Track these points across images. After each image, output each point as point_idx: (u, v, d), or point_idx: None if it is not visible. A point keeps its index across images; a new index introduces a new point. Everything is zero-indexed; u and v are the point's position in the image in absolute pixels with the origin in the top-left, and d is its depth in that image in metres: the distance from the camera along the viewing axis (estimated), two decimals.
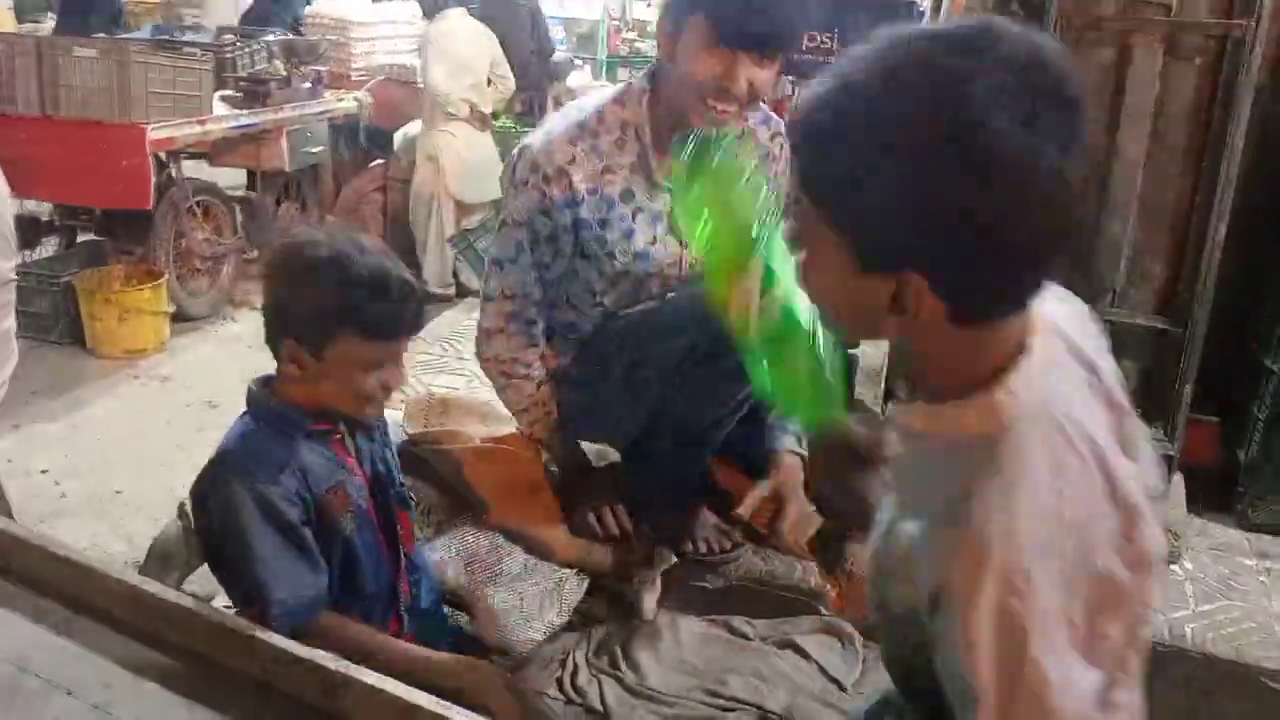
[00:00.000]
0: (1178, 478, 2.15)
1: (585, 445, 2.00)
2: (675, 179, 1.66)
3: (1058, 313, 0.94)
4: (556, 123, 1.82)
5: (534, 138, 1.81)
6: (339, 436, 1.37)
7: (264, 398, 1.33)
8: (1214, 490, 2.24)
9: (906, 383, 1.00)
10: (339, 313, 1.24)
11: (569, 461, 1.98)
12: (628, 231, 1.79)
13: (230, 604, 1.33)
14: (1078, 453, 0.86)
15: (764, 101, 1.84)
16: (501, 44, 4.93)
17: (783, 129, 1.90)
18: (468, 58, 4.75)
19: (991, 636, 0.81)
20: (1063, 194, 0.79)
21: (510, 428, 2.07)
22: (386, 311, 1.26)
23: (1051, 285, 0.89)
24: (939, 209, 0.78)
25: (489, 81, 4.87)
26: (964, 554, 0.83)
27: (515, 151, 1.83)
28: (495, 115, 5.20)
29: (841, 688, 1.67)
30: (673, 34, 1.66)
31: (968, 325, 0.85)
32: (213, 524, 1.28)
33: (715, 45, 1.61)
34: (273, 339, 1.31)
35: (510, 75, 4.97)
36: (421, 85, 4.92)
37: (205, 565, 1.94)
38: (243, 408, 1.35)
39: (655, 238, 1.80)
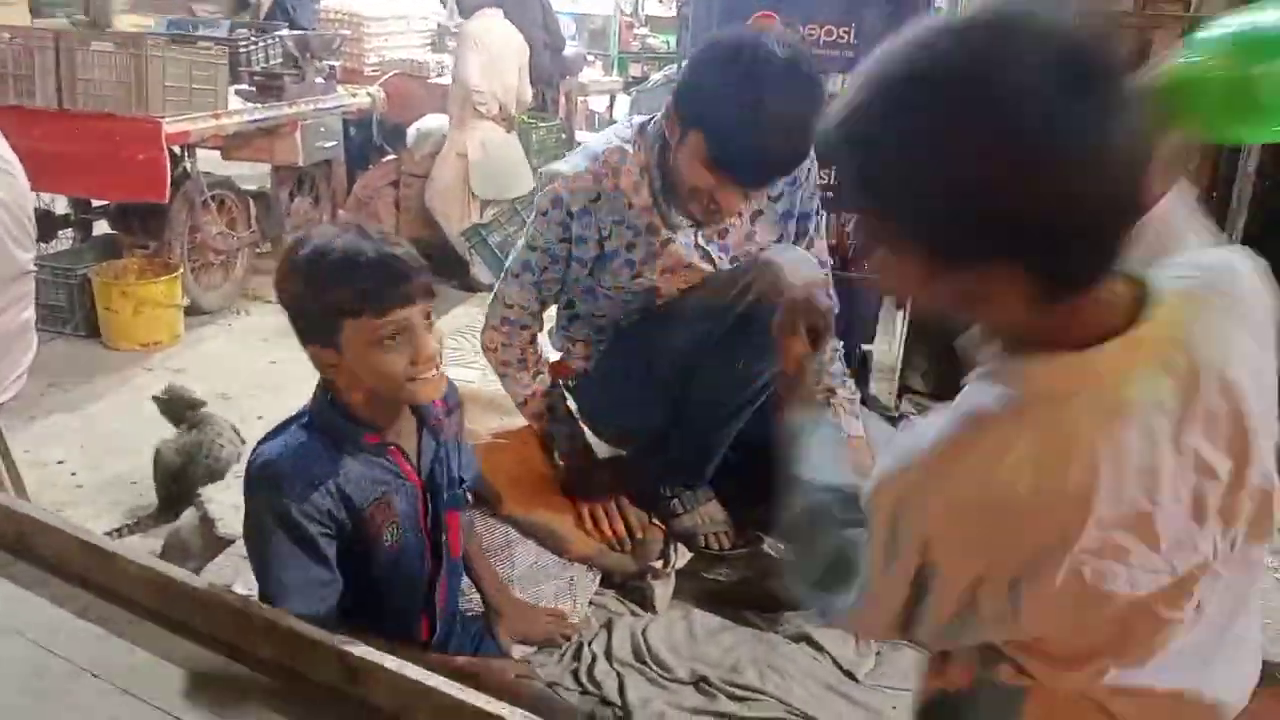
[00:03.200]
0: None
1: (596, 443, 2.02)
2: None
3: (1198, 320, 0.87)
4: (583, 157, 1.84)
5: (563, 166, 1.85)
6: (393, 445, 1.35)
7: (325, 406, 1.32)
8: None
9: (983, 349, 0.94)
10: (326, 301, 1.24)
11: (572, 457, 2.00)
12: (653, 253, 1.83)
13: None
14: (1124, 459, 0.81)
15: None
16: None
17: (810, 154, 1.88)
18: (502, 58, 4.78)
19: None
20: (1119, 160, 0.77)
21: (524, 421, 2.09)
22: (372, 284, 1.24)
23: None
24: (1009, 197, 0.76)
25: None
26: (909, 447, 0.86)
27: (545, 174, 1.88)
28: None
29: (855, 679, 1.68)
30: (678, 127, 1.66)
31: (1062, 299, 0.82)
32: (245, 526, 1.30)
33: (709, 166, 1.62)
34: (306, 350, 1.31)
35: (529, 86, 5.00)
36: (451, 81, 4.94)
37: (221, 555, 1.97)
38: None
39: (687, 263, 1.84)
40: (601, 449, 2.08)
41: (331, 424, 1.30)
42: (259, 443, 1.32)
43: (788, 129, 1.54)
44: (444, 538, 1.43)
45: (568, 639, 1.70)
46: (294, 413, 1.35)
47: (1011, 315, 0.84)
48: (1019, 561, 0.84)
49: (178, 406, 2.88)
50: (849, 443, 1.87)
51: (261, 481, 1.26)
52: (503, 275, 1.95)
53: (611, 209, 1.80)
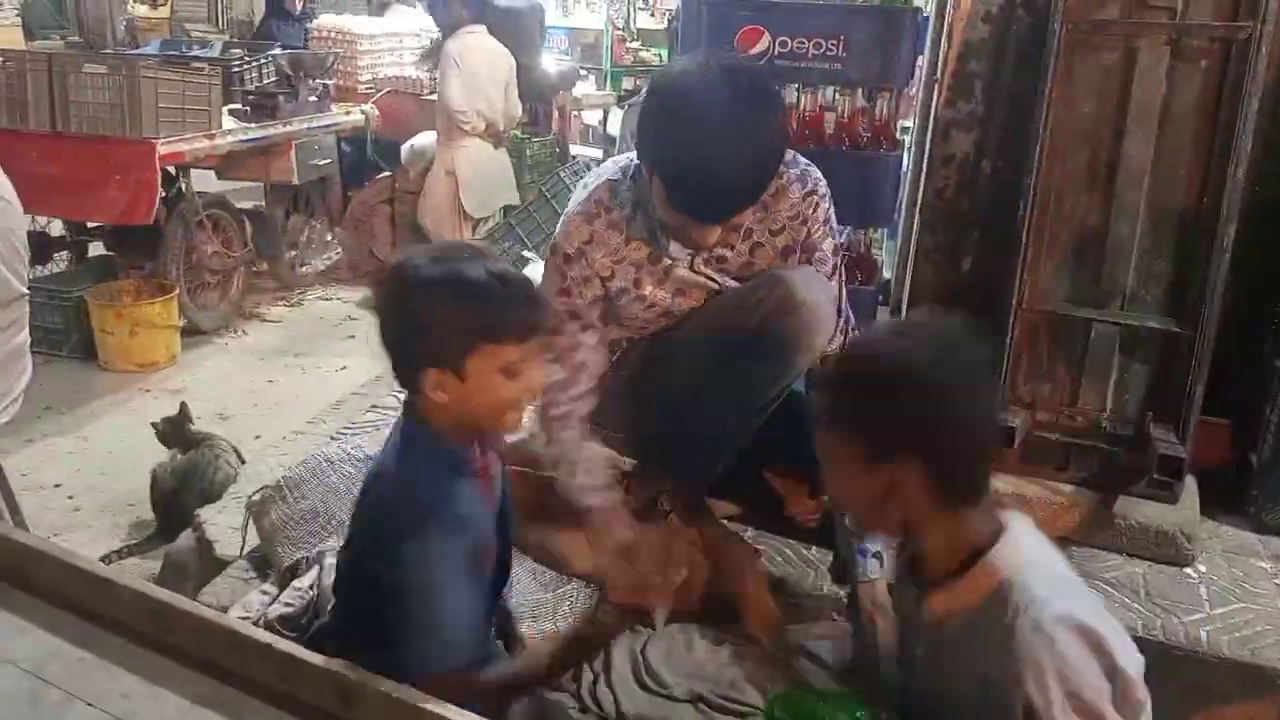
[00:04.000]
0: (1190, 480, 2.14)
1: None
2: None
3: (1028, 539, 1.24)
4: (574, 203, 1.85)
5: (562, 219, 1.87)
6: (486, 469, 1.32)
7: (424, 439, 1.27)
8: (1226, 492, 2.23)
9: (908, 578, 1.33)
10: (470, 324, 1.19)
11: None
12: (659, 281, 1.84)
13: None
14: (1068, 578, 1.21)
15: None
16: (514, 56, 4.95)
17: (819, 189, 1.85)
18: (485, 76, 4.78)
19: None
20: (993, 410, 1.36)
21: (516, 437, 2.08)
22: (515, 310, 1.21)
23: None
24: (926, 419, 1.16)
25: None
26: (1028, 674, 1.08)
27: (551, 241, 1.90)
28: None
29: None
30: (644, 170, 1.70)
31: (953, 504, 1.19)
32: (399, 574, 1.22)
33: (671, 206, 1.65)
34: (407, 375, 1.25)
35: (518, 103, 5.01)
36: (436, 100, 4.95)
37: (219, 577, 1.96)
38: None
39: (693, 283, 1.84)
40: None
41: (439, 453, 1.26)
42: (388, 484, 1.28)
43: (735, 161, 1.56)
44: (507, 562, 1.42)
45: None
46: (390, 442, 1.32)
47: (916, 509, 1.19)
48: None
49: (180, 430, 2.87)
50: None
51: (428, 526, 1.21)
52: None
53: (608, 247, 1.80)
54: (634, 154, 1.81)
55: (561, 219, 1.86)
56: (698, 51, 1.96)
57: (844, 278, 1.98)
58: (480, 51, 4.79)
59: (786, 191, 1.82)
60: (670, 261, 1.82)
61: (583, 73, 7.25)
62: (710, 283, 1.85)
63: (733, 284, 1.85)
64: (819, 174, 1.86)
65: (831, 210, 1.88)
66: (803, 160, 1.85)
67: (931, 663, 1.27)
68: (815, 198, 1.84)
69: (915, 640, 1.31)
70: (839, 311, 1.87)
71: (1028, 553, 1.18)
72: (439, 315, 1.20)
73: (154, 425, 2.91)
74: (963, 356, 1.18)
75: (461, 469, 1.28)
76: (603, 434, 1.94)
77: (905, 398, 1.17)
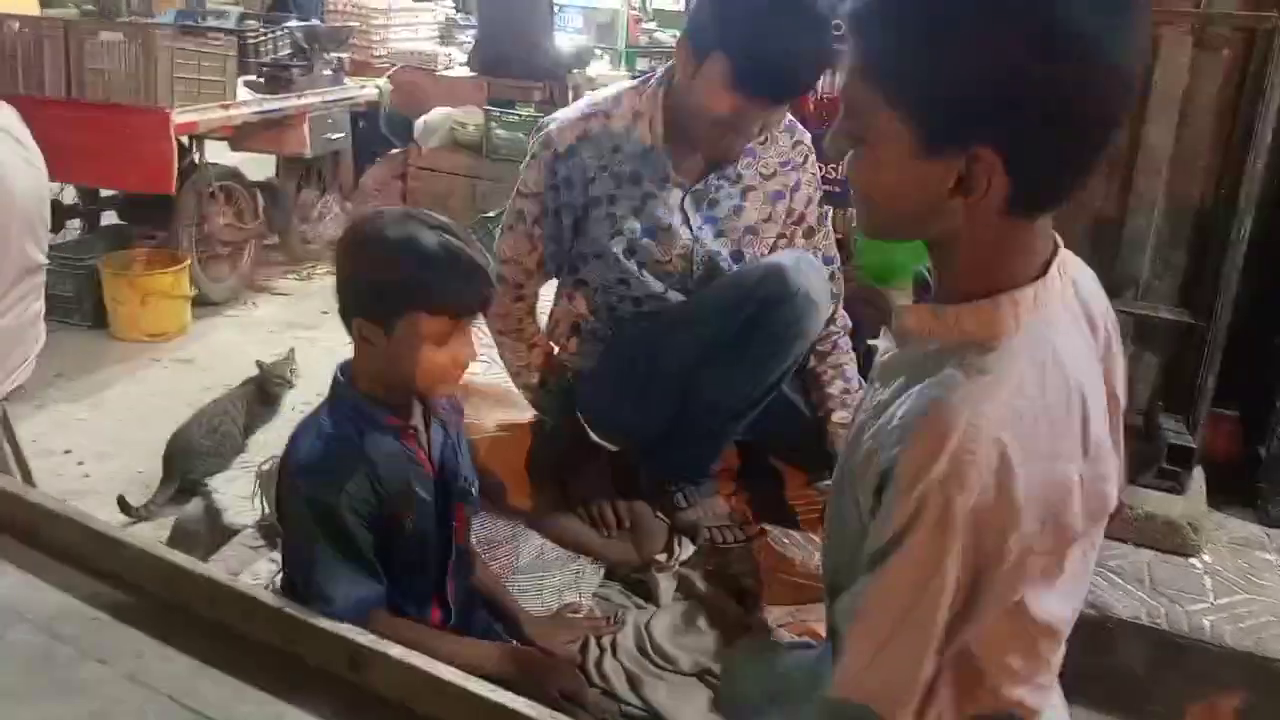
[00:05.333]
0: (1198, 471, 2.14)
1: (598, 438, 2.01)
2: None
3: (1081, 276, 0.98)
4: (574, 104, 1.84)
5: (553, 116, 1.84)
6: (412, 430, 1.36)
7: (344, 389, 1.32)
8: (1234, 484, 2.23)
9: (916, 287, 1.02)
10: (405, 289, 1.24)
11: (557, 439, 2.00)
12: (635, 210, 1.79)
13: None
14: (1064, 384, 0.87)
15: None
16: (521, 33, 4.92)
17: (806, 140, 1.89)
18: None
19: (917, 512, 0.81)
20: (1122, 83, 0.82)
21: (529, 414, 2.09)
22: (454, 287, 1.26)
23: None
24: (1015, 80, 0.78)
25: None
26: (926, 434, 0.83)
27: (536, 128, 1.86)
28: (512, 104, 5.22)
29: None
30: (693, 60, 1.64)
31: (1020, 215, 0.87)
32: (282, 523, 1.31)
33: (733, 88, 1.59)
34: (345, 317, 1.31)
35: None
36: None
37: (227, 545, 1.98)
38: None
39: (666, 224, 1.80)
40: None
41: (355, 405, 1.31)
42: (289, 442, 1.32)
43: (813, 29, 1.53)
44: (452, 523, 1.44)
45: (599, 634, 1.68)
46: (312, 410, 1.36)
47: (978, 220, 0.87)
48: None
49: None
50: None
51: (300, 480, 1.26)
52: (499, 230, 1.93)
53: (597, 151, 1.77)
54: (648, 72, 1.81)
55: (554, 120, 1.81)
56: None
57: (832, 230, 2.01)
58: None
59: (776, 139, 1.85)
60: (652, 190, 1.78)
61: (597, 52, 7.21)
62: (683, 229, 1.80)
63: (707, 248, 1.81)
64: (804, 130, 1.90)
65: (816, 167, 1.93)
66: (789, 116, 1.86)
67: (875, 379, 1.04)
68: (804, 147, 1.89)
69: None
70: (830, 265, 1.93)
71: (1045, 327, 0.89)
72: (379, 271, 1.25)
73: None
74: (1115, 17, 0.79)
75: (374, 423, 1.31)
76: (596, 431, 1.95)
77: (1012, 57, 0.78)
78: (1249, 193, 1.97)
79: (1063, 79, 0.78)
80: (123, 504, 2.69)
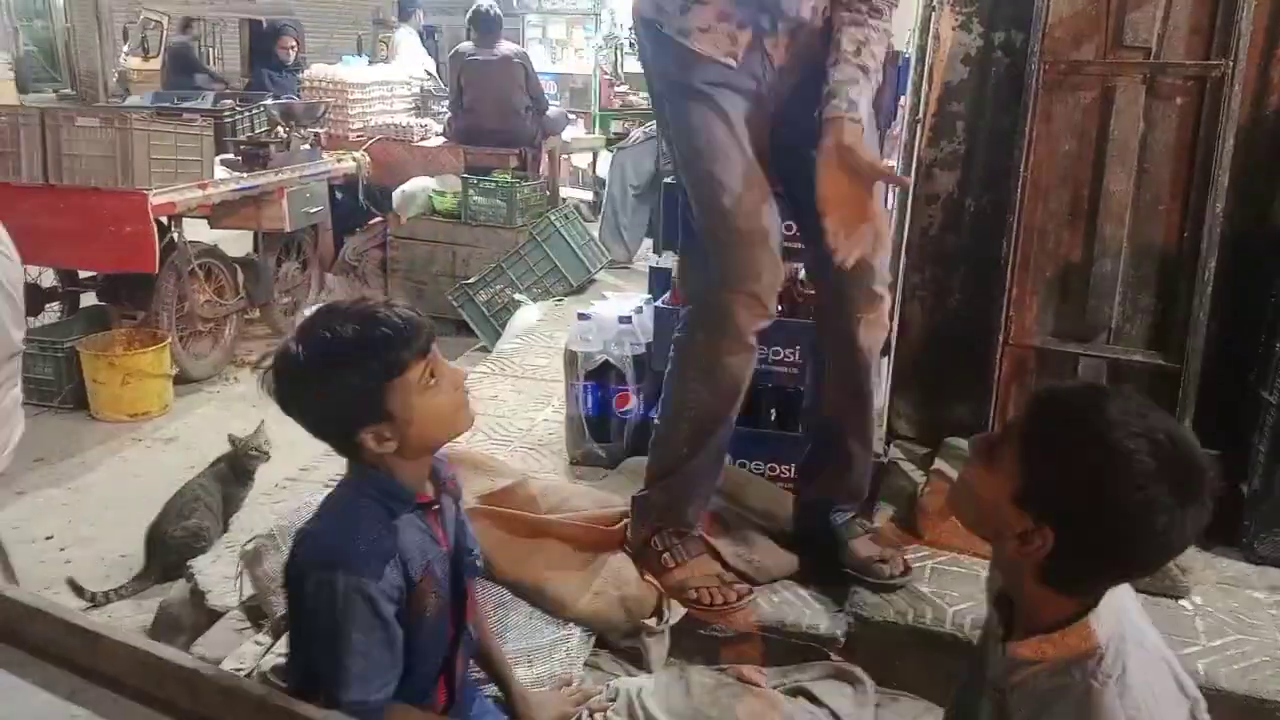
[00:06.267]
0: None
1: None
2: None
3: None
4: None
5: None
6: (436, 508, 1.35)
7: (373, 478, 1.30)
8: (1218, 524, 2.22)
9: (999, 615, 1.25)
10: (369, 372, 1.23)
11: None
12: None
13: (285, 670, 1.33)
14: (1160, 660, 1.16)
15: None
16: (496, 100, 4.99)
17: None
18: None
19: None
20: (1169, 555, 1.16)
21: (509, 480, 2.08)
22: (395, 342, 1.25)
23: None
24: (1100, 514, 1.07)
25: None
26: None
27: None
28: (489, 171, 5.29)
29: None
30: None
31: (1054, 587, 1.13)
32: (306, 606, 1.26)
33: None
34: (346, 443, 1.29)
35: None
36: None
37: (212, 629, 1.95)
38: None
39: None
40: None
41: (387, 491, 1.29)
42: (312, 532, 1.30)
43: None
44: (465, 604, 1.42)
45: (591, 710, 1.67)
46: (328, 495, 1.35)
47: (1022, 563, 1.14)
48: None
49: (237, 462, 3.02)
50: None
51: (335, 571, 1.23)
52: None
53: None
54: None
55: None
56: None
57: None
58: None
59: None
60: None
61: (571, 116, 7.33)
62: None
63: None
64: None
65: None
66: None
67: (996, 704, 1.23)
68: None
69: (984, 682, 1.27)
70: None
71: (1124, 624, 1.14)
72: (343, 380, 1.23)
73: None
74: (1185, 488, 1.06)
75: (404, 501, 1.30)
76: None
77: (1099, 489, 1.06)
78: (1211, 234, 2.01)
79: (1126, 538, 1.07)
80: (75, 587, 2.64)
